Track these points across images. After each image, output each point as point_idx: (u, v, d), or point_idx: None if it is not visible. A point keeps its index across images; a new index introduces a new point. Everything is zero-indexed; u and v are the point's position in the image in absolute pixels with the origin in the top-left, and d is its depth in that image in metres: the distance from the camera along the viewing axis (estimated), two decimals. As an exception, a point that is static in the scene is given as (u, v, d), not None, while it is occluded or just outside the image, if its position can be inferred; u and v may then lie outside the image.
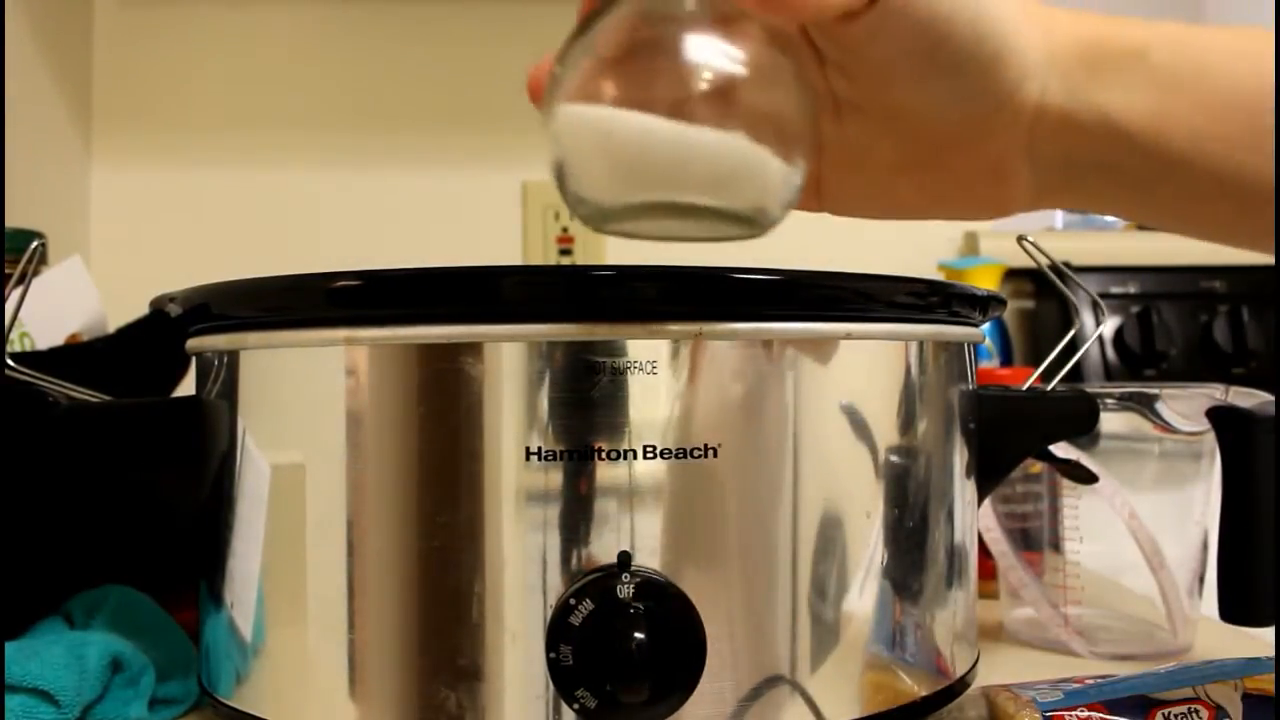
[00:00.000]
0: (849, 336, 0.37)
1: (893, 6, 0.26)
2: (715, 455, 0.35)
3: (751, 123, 0.26)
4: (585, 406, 0.34)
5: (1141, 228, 1.21)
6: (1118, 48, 0.28)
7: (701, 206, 0.27)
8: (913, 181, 0.31)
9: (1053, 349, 0.51)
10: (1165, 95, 0.27)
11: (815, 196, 0.32)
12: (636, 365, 0.34)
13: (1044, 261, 0.50)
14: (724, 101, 0.25)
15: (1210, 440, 0.51)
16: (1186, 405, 0.51)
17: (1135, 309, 1.10)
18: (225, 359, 0.40)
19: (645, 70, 0.26)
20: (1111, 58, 0.28)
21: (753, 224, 0.27)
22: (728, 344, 0.35)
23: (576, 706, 0.33)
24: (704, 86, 0.25)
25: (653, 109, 0.25)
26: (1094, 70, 0.28)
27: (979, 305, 0.43)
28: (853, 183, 0.32)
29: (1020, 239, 0.49)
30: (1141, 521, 0.53)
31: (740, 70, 0.26)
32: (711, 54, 0.26)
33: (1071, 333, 0.51)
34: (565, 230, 1.08)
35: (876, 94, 0.29)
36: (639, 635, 0.33)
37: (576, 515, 0.34)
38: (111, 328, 0.67)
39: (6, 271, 0.58)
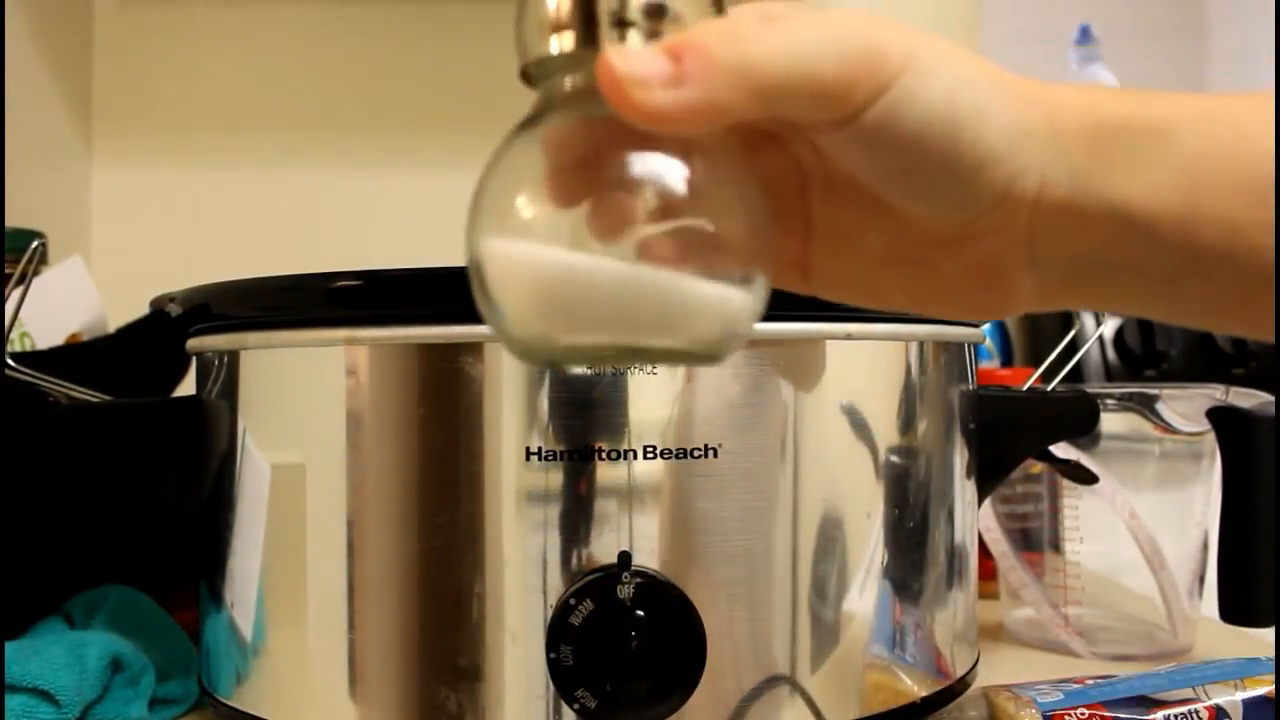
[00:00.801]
0: (849, 336, 0.37)
1: (846, 146, 0.24)
2: (715, 455, 0.35)
3: (702, 250, 0.22)
4: (585, 406, 0.34)
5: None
6: (1134, 129, 0.25)
7: (651, 348, 0.23)
8: (898, 276, 0.28)
9: (1053, 349, 0.51)
10: (1195, 181, 0.24)
11: (802, 279, 0.29)
12: (636, 365, 0.34)
13: (1044, 262, 0.50)
14: (670, 228, 0.22)
15: (1210, 440, 0.51)
16: (1186, 405, 0.51)
17: (1135, 309, 1.10)
18: (225, 359, 0.40)
19: (575, 197, 0.23)
20: (1126, 141, 0.25)
21: (713, 356, 0.24)
22: (728, 344, 0.35)
23: (576, 706, 0.33)
24: (643, 213, 0.22)
25: (587, 243, 0.22)
26: (1105, 157, 0.24)
27: (979, 305, 0.43)
28: (839, 269, 0.28)
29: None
30: (1141, 521, 0.53)
31: (682, 189, 0.22)
32: (650, 172, 0.22)
33: (1072, 333, 0.51)
34: (565, 230, 1.08)
35: (863, 187, 0.26)
36: (639, 635, 0.33)
37: (576, 515, 0.34)
38: (111, 328, 0.67)
39: (6, 271, 0.57)
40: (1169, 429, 0.53)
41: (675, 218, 0.22)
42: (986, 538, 0.56)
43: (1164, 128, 0.25)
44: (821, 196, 0.28)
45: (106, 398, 0.43)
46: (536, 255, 0.23)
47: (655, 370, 0.34)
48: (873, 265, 0.28)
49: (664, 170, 0.22)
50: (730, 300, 0.23)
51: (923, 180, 0.24)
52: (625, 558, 0.34)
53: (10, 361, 0.43)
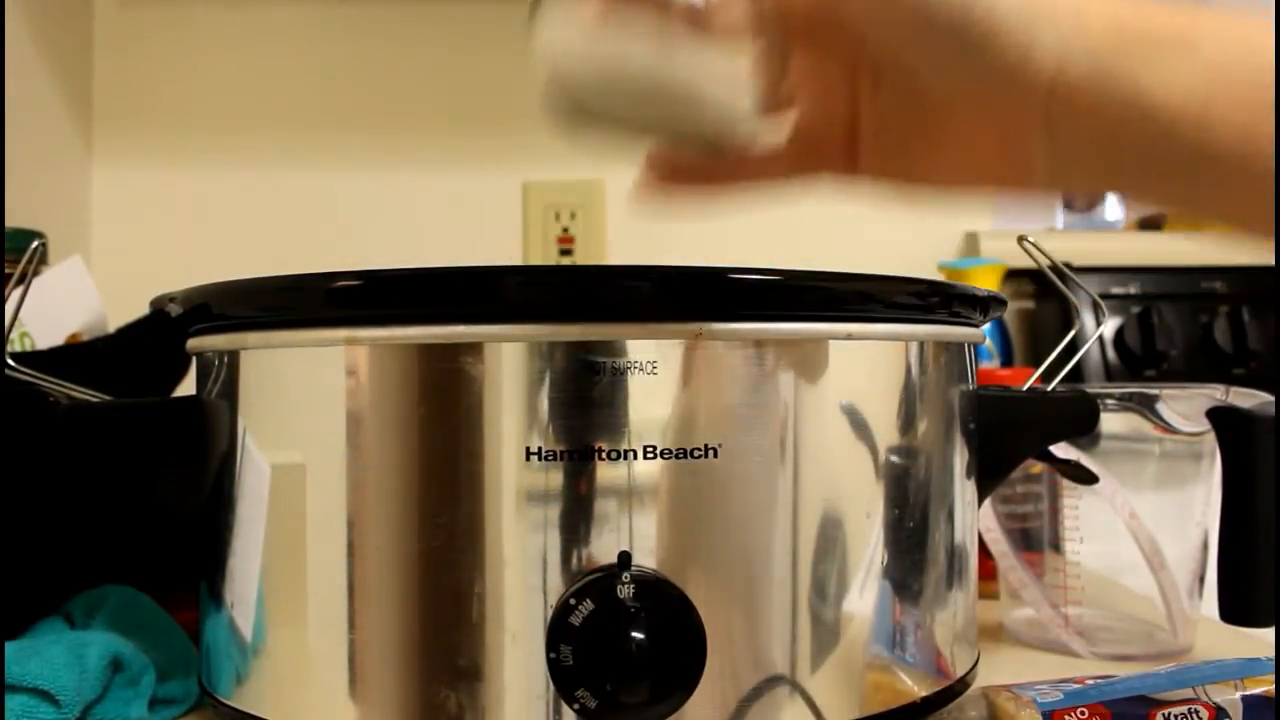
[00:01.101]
0: (849, 337, 0.37)
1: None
2: (715, 455, 0.35)
3: (719, 48, 0.29)
4: (585, 406, 0.34)
5: (1143, 228, 1.21)
6: (1157, 31, 0.27)
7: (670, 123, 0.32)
8: (926, 154, 0.32)
9: (1053, 349, 0.51)
10: (1211, 86, 0.26)
11: (850, 164, 0.34)
12: (636, 365, 0.34)
13: (1044, 262, 0.50)
14: (694, 29, 0.29)
15: (1210, 441, 0.51)
16: (1187, 405, 0.51)
17: (1135, 309, 1.10)
18: (225, 359, 0.40)
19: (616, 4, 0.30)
20: (1150, 41, 0.27)
21: (716, 137, 0.32)
22: (728, 344, 0.35)
23: (576, 707, 0.33)
24: (673, 17, 0.29)
25: (626, 39, 0.29)
26: (1129, 52, 0.27)
27: (979, 305, 0.43)
28: (877, 153, 0.33)
29: (1021, 239, 0.49)
30: (1141, 521, 0.53)
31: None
32: None
33: (1072, 333, 0.51)
34: (565, 230, 1.08)
35: (900, 73, 0.30)
36: (639, 635, 0.33)
37: (576, 515, 0.34)
38: (111, 328, 0.67)
39: (6, 271, 0.58)
40: (1169, 429, 0.53)
41: (700, 25, 0.29)
42: (986, 538, 0.56)
43: (1184, 37, 0.27)
44: (868, 95, 0.33)
45: (106, 398, 0.43)
46: (589, 48, 0.30)
47: (655, 370, 0.34)
48: (907, 146, 0.33)
49: None
50: (737, 95, 0.31)
51: (939, 45, 0.28)
52: (625, 558, 0.34)
53: (10, 361, 0.43)
